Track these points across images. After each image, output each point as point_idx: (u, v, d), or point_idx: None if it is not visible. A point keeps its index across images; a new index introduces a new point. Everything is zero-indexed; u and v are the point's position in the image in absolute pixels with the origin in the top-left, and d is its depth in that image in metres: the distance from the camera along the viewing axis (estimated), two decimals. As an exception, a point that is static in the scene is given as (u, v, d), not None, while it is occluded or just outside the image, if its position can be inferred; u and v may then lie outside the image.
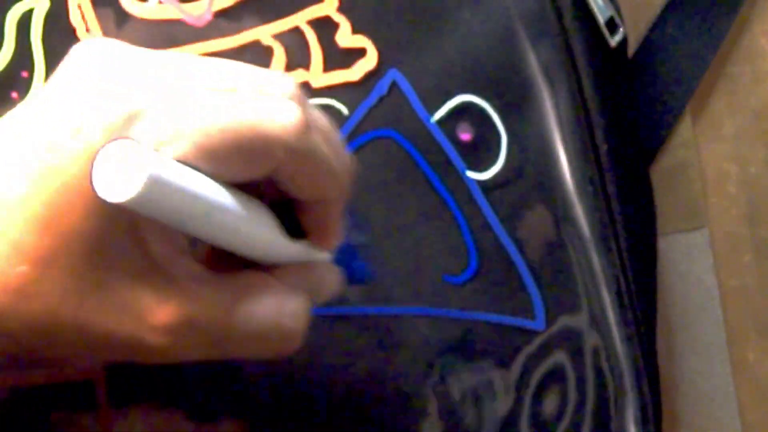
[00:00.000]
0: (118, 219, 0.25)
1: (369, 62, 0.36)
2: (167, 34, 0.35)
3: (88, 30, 0.35)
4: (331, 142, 0.29)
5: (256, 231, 0.28)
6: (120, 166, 0.23)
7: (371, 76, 0.36)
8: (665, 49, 0.42)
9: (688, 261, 0.43)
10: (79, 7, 0.35)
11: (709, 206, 0.44)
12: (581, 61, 0.36)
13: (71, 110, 0.25)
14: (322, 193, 0.29)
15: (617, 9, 0.38)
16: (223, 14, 0.36)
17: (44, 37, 0.35)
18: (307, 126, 0.27)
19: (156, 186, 0.23)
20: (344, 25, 0.36)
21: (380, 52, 0.36)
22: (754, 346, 0.43)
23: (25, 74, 0.35)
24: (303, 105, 0.28)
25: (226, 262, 0.28)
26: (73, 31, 0.35)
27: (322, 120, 0.29)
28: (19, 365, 0.30)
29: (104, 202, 0.23)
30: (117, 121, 0.24)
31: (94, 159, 0.23)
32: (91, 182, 0.23)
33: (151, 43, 0.35)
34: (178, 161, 0.25)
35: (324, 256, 0.31)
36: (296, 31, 0.36)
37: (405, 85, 0.36)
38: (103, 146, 0.23)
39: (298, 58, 0.36)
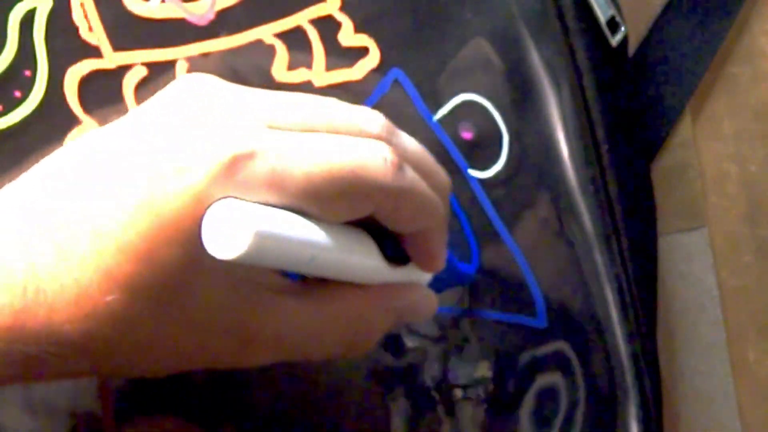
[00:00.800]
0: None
1: (371, 61, 0.36)
2: (170, 34, 0.35)
3: (90, 29, 0.35)
4: (426, 169, 0.29)
5: (358, 263, 0.28)
6: (227, 223, 0.24)
7: (373, 75, 0.36)
8: (665, 49, 0.42)
9: (687, 261, 0.43)
10: (82, 6, 0.35)
11: (709, 206, 0.44)
12: (582, 60, 0.36)
13: (176, 148, 0.25)
14: (423, 224, 0.29)
15: (618, 8, 0.38)
16: (225, 13, 0.36)
17: (47, 36, 0.35)
18: (401, 165, 0.27)
19: (261, 241, 0.24)
20: (346, 24, 0.36)
21: (382, 51, 0.36)
22: (754, 345, 0.43)
23: (27, 73, 0.35)
24: (394, 139, 0.28)
25: None
26: (76, 30, 0.35)
27: (414, 147, 0.29)
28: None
29: (204, 246, 0.24)
30: (222, 164, 0.24)
31: (202, 213, 0.24)
32: (200, 240, 0.24)
33: (154, 42, 0.35)
34: (284, 207, 0.25)
35: (425, 277, 0.31)
36: (298, 30, 0.36)
37: (407, 84, 0.36)
38: (211, 205, 0.24)
39: (300, 58, 0.36)
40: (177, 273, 0.25)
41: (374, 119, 0.28)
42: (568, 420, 0.36)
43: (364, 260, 0.28)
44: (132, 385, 0.35)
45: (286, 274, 0.29)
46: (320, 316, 0.28)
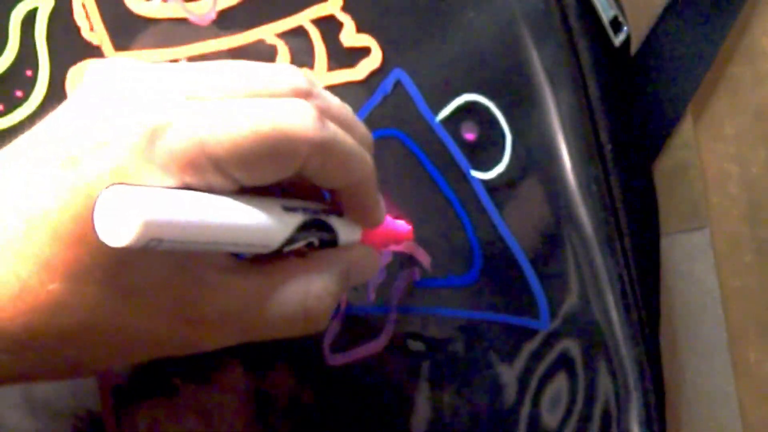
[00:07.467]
0: None
1: (373, 61, 0.36)
2: (172, 33, 0.35)
3: (92, 29, 0.35)
4: (348, 122, 0.29)
5: (271, 238, 0.28)
6: (118, 210, 0.23)
7: (375, 76, 0.36)
8: (666, 49, 0.42)
9: (689, 261, 0.43)
10: (84, 5, 0.35)
11: (710, 206, 0.44)
12: (585, 61, 0.36)
13: (94, 125, 0.25)
14: (352, 177, 0.29)
15: (621, 8, 0.38)
16: (227, 13, 0.36)
17: (48, 36, 0.35)
18: (323, 118, 0.27)
19: (151, 229, 0.23)
20: (348, 24, 0.36)
21: (384, 52, 0.36)
22: (755, 346, 0.43)
23: (29, 73, 0.35)
24: (314, 93, 0.28)
25: None
26: (78, 29, 0.35)
27: (334, 101, 0.29)
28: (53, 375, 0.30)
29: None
30: (141, 136, 0.24)
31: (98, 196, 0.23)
32: (93, 226, 0.23)
33: (155, 42, 0.35)
34: (211, 177, 0.25)
35: (356, 236, 0.31)
36: (300, 30, 0.36)
37: (409, 85, 0.36)
38: (100, 192, 0.23)
39: (302, 57, 0.36)
40: (115, 253, 0.24)
41: (293, 75, 0.28)
42: (571, 421, 0.36)
43: (276, 232, 0.28)
44: (131, 383, 0.35)
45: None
46: (266, 292, 0.28)
